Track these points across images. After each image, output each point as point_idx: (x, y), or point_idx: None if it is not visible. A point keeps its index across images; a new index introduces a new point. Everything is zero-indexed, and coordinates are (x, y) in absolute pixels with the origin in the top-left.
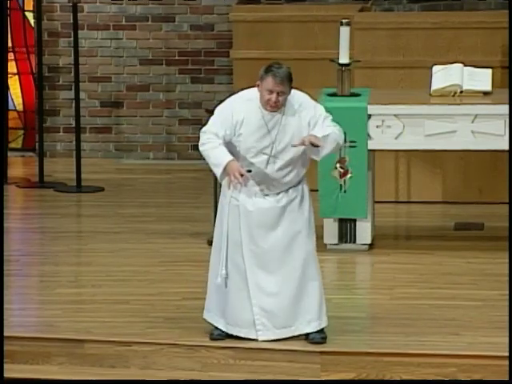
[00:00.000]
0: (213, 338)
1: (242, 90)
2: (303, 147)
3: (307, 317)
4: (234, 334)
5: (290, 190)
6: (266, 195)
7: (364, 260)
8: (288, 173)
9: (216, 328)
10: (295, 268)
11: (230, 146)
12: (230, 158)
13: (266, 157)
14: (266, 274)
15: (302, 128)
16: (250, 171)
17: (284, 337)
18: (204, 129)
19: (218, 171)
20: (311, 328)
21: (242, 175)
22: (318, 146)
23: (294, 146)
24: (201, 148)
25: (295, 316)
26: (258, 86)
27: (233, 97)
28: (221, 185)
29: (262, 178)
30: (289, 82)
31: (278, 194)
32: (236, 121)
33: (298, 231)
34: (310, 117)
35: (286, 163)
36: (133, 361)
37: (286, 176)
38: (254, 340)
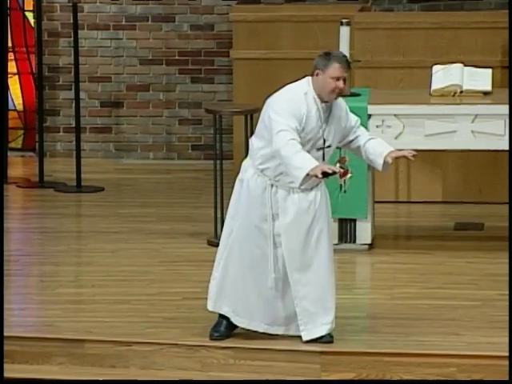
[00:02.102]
0: (213, 338)
1: (241, 89)
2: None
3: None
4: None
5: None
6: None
7: (364, 260)
8: None
9: (215, 328)
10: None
11: None
12: (316, 162)
13: (320, 151)
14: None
15: (341, 122)
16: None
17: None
18: (279, 127)
19: (300, 174)
20: (322, 331)
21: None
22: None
23: (387, 161)
24: (284, 148)
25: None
26: (318, 75)
27: (286, 93)
28: (221, 184)
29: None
30: (350, 68)
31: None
32: (302, 114)
33: (321, 230)
34: (345, 113)
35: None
36: (133, 361)
37: None
38: (254, 340)
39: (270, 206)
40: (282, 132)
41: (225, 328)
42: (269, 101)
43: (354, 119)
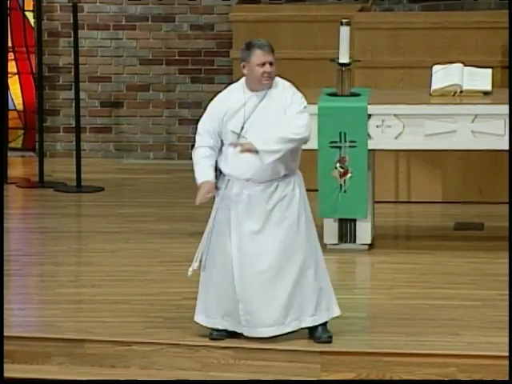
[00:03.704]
0: (212, 338)
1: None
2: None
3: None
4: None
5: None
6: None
7: (364, 260)
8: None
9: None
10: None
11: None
12: (205, 179)
13: (234, 135)
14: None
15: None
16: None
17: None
18: (198, 129)
19: (197, 181)
20: (306, 323)
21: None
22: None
23: (231, 144)
24: (193, 152)
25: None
26: (244, 67)
27: (218, 94)
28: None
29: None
30: (273, 51)
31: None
32: (223, 114)
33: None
34: (284, 103)
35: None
36: (133, 361)
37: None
38: (254, 340)
39: (223, 202)
40: (197, 136)
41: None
42: None
43: (291, 112)
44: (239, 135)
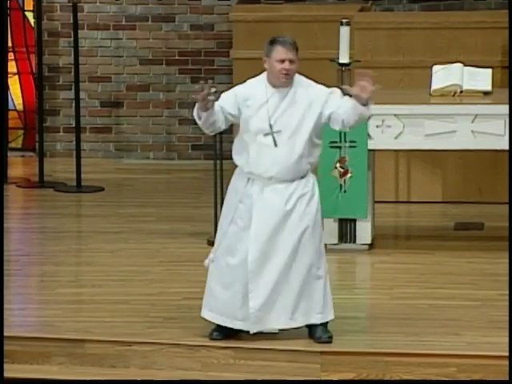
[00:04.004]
0: (212, 338)
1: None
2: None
3: (311, 310)
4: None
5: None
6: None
7: (364, 260)
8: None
9: (215, 327)
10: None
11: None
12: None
13: (269, 136)
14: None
15: (310, 109)
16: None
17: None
18: None
19: (196, 114)
20: (315, 320)
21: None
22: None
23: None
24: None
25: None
26: (265, 62)
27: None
28: (221, 184)
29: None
30: (296, 49)
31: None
32: (242, 98)
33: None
34: (316, 99)
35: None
36: (133, 361)
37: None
38: (254, 340)
39: (244, 200)
40: None
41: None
42: None
43: (333, 106)
44: (272, 132)
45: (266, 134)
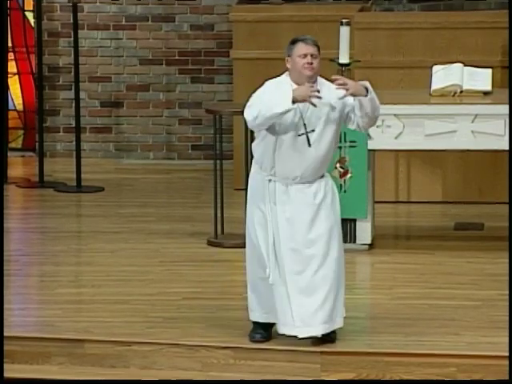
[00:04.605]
0: (254, 341)
1: (241, 89)
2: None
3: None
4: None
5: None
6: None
7: (364, 260)
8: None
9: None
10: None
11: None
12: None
13: (303, 136)
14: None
15: (335, 108)
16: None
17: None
18: (248, 104)
19: (286, 105)
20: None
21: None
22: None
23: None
24: (256, 116)
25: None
26: (288, 61)
27: (262, 87)
28: (221, 184)
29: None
30: (318, 46)
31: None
32: None
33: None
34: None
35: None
36: (133, 361)
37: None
38: (255, 341)
39: (268, 201)
40: (249, 107)
41: (263, 330)
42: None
43: (351, 105)
44: (306, 132)
45: (300, 134)
